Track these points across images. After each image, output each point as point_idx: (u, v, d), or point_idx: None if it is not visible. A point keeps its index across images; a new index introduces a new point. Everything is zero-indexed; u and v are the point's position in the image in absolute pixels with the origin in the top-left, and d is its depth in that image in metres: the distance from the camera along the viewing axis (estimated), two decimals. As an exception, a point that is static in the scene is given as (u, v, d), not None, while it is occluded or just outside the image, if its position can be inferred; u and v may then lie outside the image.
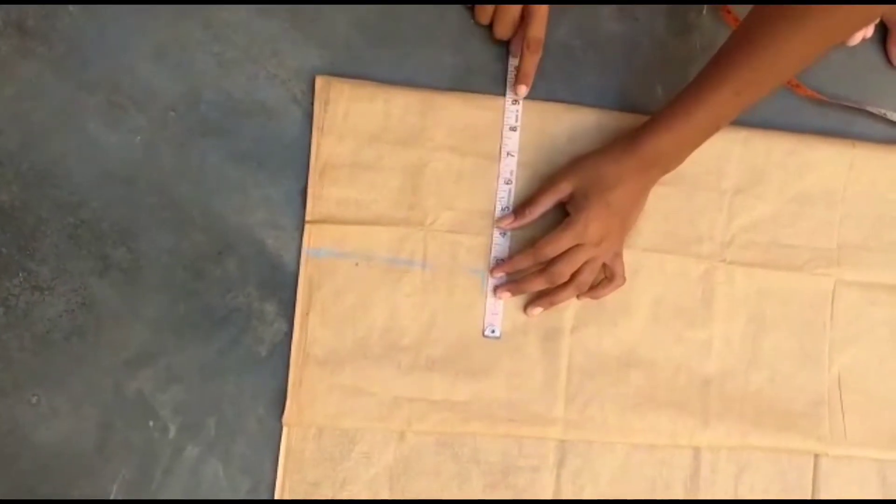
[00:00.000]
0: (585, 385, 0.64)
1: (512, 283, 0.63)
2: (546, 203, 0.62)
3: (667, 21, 0.68)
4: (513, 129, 0.64)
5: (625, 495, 0.65)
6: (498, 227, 0.64)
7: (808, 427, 0.66)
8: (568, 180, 0.61)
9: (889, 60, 0.71)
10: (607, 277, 0.64)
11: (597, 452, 0.64)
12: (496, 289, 0.63)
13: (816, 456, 0.67)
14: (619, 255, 0.63)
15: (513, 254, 0.63)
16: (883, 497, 0.67)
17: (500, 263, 0.63)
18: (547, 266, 0.61)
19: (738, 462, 0.66)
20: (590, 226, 0.60)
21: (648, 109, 0.67)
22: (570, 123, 0.65)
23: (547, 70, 0.66)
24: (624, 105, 0.67)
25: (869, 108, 0.69)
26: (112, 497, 0.61)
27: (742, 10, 0.66)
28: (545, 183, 0.63)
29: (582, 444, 0.64)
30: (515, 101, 0.64)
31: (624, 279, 0.64)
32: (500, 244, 0.64)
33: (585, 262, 0.61)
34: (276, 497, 0.62)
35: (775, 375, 0.67)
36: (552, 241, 0.60)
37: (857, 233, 0.68)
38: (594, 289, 0.64)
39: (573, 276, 0.62)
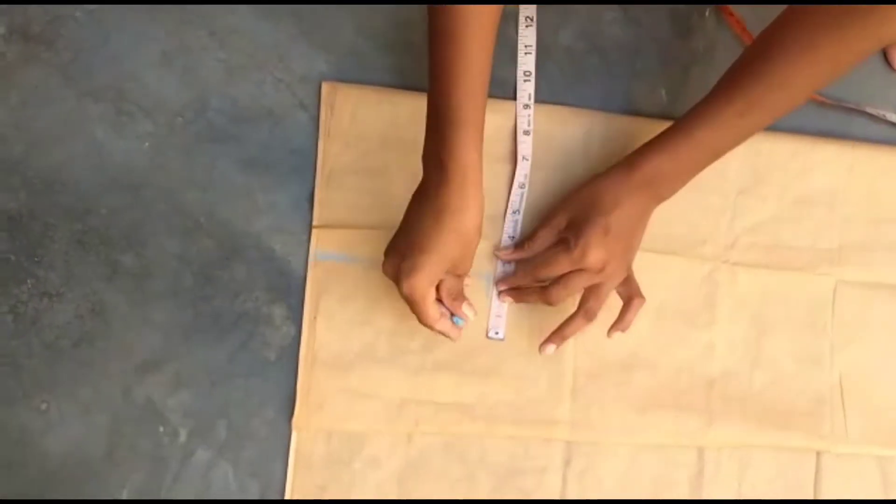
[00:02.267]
0: (590, 386, 0.65)
1: (514, 290, 0.64)
2: (545, 238, 0.62)
3: (670, 24, 0.69)
4: (526, 132, 0.65)
5: (630, 496, 0.65)
6: (496, 255, 0.64)
7: (810, 426, 0.67)
8: (564, 211, 0.61)
9: (888, 63, 0.71)
10: (625, 301, 0.62)
11: (602, 453, 0.65)
12: (500, 292, 0.64)
13: (818, 454, 0.67)
14: (629, 278, 0.62)
15: (516, 269, 0.64)
16: (884, 494, 0.68)
17: (504, 277, 0.64)
18: (545, 287, 0.61)
19: (741, 461, 0.66)
20: (588, 252, 0.58)
21: (652, 113, 0.67)
22: (578, 127, 0.66)
23: (551, 74, 0.67)
24: (628, 108, 0.68)
25: (869, 110, 0.70)
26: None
27: (745, 12, 0.67)
28: (544, 219, 0.63)
29: (587, 445, 0.65)
30: (527, 106, 0.65)
31: (643, 298, 0.62)
32: (505, 268, 0.65)
33: (589, 289, 0.60)
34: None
35: (778, 375, 0.67)
36: (547, 262, 0.60)
37: (857, 233, 0.69)
38: (621, 318, 0.62)
39: (580, 305, 0.61)
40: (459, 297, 0.60)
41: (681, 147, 0.57)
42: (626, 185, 0.58)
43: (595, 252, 0.58)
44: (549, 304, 0.61)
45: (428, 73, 0.54)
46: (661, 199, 0.60)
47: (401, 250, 0.55)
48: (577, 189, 0.62)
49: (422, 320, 0.57)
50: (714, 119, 0.55)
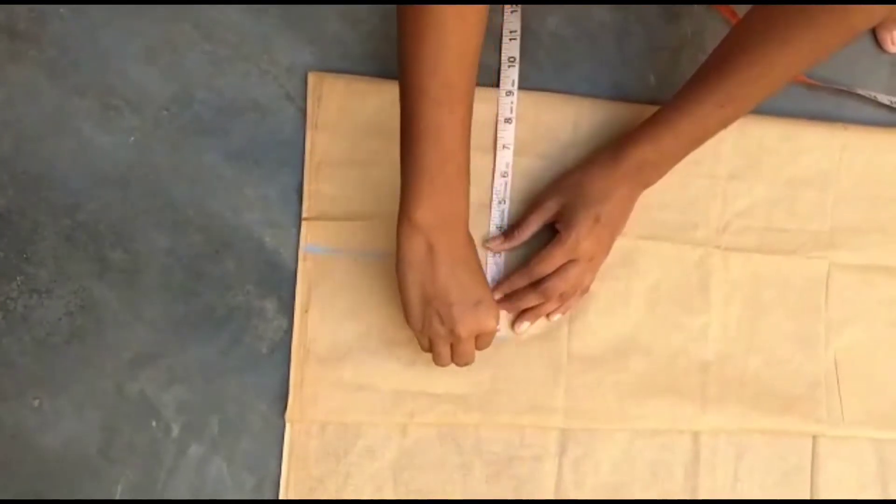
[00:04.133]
0: (585, 373, 0.65)
1: (507, 300, 0.63)
2: (534, 224, 0.62)
3: (657, 8, 0.68)
4: (508, 120, 0.64)
5: (626, 482, 0.65)
6: (486, 248, 0.64)
7: (806, 409, 0.67)
8: (554, 199, 0.61)
9: (878, 43, 0.71)
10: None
11: (598, 440, 0.65)
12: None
13: (815, 437, 0.67)
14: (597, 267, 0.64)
15: (508, 273, 0.64)
16: (880, 477, 0.67)
17: (496, 284, 0.64)
18: (540, 282, 0.61)
19: (737, 445, 0.66)
20: (581, 242, 0.59)
21: (642, 98, 0.67)
22: (566, 113, 0.66)
23: (539, 60, 0.66)
24: (617, 94, 0.67)
25: (859, 91, 0.69)
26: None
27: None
28: (532, 204, 0.63)
29: (583, 432, 0.65)
30: (509, 93, 0.64)
31: (587, 290, 0.64)
32: (492, 263, 0.64)
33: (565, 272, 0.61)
34: (282, 494, 0.62)
35: (772, 359, 0.67)
36: (545, 258, 0.60)
37: (850, 215, 0.69)
38: (564, 301, 0.64)
39: None
40: None
41: (665, 137, 0.58)
42: (615, 174, 0.59)
43: (586, 241, 0.60)
44: (547, 297, 0.62)
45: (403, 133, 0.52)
46: (647, 185, 0.61)
47: (462, 301, 0.55)
48: (565, 175, 0.62)
49: (486, 346, 0.60)
50: (696, 110, 0.56)
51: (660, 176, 0.61)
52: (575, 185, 0.61)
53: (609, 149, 0.60)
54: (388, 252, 0.63)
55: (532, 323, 0.64)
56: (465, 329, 0.56)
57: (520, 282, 0.62)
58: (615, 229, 0.62)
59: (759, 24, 0.53)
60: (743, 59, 0.53)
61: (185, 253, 0.62)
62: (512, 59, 0.65)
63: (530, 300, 0.62)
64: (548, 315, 0.64)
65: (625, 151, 0.59)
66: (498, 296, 0.63)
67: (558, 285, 0.61)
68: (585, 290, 0.64)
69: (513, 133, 0.64)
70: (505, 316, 0.64)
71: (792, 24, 0.50)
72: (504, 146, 0.64)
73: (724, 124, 0.57)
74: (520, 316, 0.64)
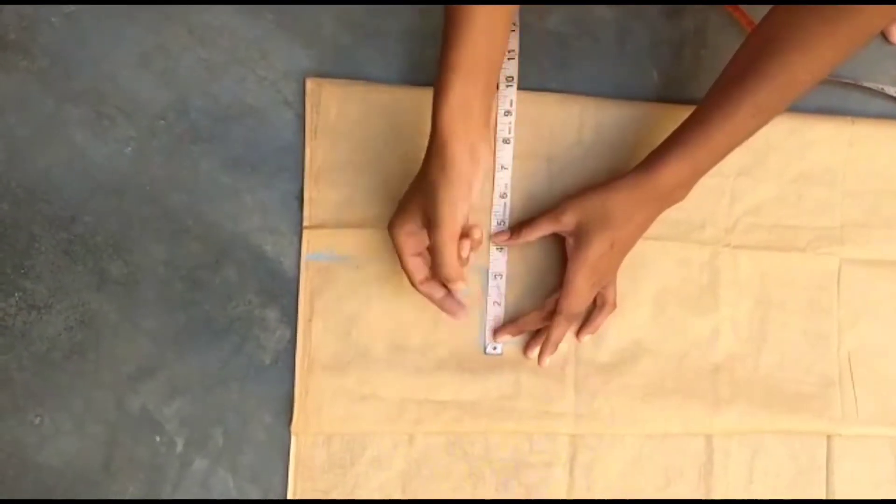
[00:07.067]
0: (593, 378, 0.64)
1: (511, 324, 0.63)
2: (544, 230, 0.61)
3: (659, 5, 0.67)
4: (507, 113, 0.63)
5: (638, 486, 0.64)
6: (493, 242, 0.63)
7: (820, 408, 0.66)
8: (572, 215, 0.59)
9: (885, 36, 0.70)
10: (598, 306, 0.62)
11: (608, 445, 0.64)
12: (496, 333, 0.63)
13: (829, 436, 0.66)
14: (612, 282, 0.62)
15: (518, 316, 0.63)
16: (897, 474, 0.67)
17: (504, 326, 0.63)
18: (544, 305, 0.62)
19: (750, 446, 0.65)
20: (590, 272, 0.58)
21: (645, 94, 0.66)
22: (569, 113, 0.64)
23: (539, 58, 0.65)
24: (619, 91, 0.66)
25: (866, 84, 0.68)
26: (121, 514, 0.60)
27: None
28: (548, 211, 0.61)
29: (593, 437, 0.64)
30: (509, 84, 0.63)
31: (615, 305, 0.63)
32: (496, 258, 0.63)
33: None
34: (288, 506, 0.61)
35: (784, 358, 0.66)
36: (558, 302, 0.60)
37: (859, 210, 0.68)
38: (590, 322, 0.63)
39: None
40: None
41: (698, 154, 0.56)
42: (643, 198, 0.57)
43: (597, 266, 0.58)
44: (548, 317, 0.61)
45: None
46: (676, 202, 0.59)
47: (419, 203, 0.55)
48: (589, 191, 0.59)
49: (448, 268, 0.55)
50: (727, 123, 0.54)
51: (688, 192, 0.59)
52: (597, 204, 0.58)
53: (640, 169, 0.58)
54: (390, 258, 0.62)
55: (553, 352, 0.63)
56: (420, 220, 0.55)
57: (534, 324, 0.62)
58: (627, 250, 0.60)
59: (778, 31, 0.52)
60: (768, 69, 0.52)
61: (185, 263, 0.61)
62: (510, 79, 0.63)
63: (535, 322, 0.62)
64: (577, 335, 0.63)
65: (656, 173, 0.56)
66: (506, 338, 0.63)
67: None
68: (613, 306, 0.62)
69: (512, 126, 0.63)
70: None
71: (811, 29, 0.50)
72: (504, 140, 0.63)
73: (754, 132, 0.56)
74: (531, 340, 0.63)
